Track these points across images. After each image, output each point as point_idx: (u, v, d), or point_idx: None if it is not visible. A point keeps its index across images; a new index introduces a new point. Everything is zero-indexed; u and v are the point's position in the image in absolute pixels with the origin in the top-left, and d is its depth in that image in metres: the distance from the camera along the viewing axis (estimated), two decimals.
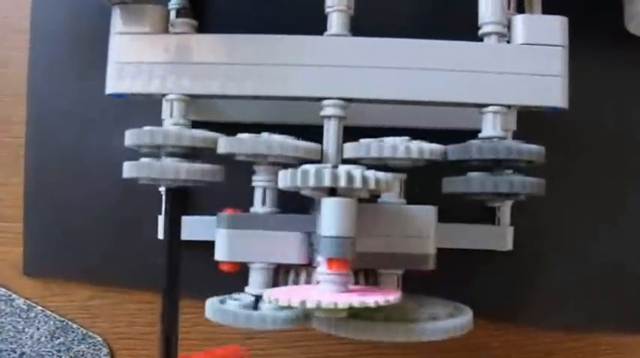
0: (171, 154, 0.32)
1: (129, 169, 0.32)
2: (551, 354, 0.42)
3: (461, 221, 0.39)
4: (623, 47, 0.41)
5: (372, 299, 0.27)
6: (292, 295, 0.27)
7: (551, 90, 0.33)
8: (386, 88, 0.33)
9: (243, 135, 0.31)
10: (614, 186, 0.42)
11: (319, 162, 0.31)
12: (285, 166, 0.30)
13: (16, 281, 0.42)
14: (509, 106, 0.33)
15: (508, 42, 0.33)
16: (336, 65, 0.33)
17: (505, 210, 0.40)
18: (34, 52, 0.43)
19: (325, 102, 0.33)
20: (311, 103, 0.34)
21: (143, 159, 0.32)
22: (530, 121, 0.38)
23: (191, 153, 0.32)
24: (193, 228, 0.38)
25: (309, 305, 0.26)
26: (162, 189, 0.40)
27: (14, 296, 0.42)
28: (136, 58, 0.33)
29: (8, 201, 0.43)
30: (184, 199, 0.38)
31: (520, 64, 0.33)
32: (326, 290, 0.28)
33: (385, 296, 0.27)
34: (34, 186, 0.42)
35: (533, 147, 0.32)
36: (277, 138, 0.31)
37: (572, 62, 0.33)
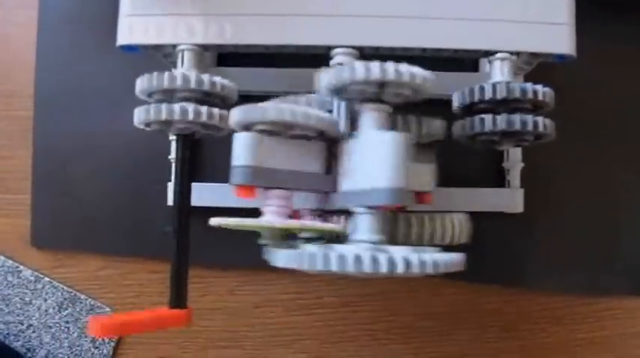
0: (183, 99, 0.32)
1: (140, 114, 0.32)
2: (563, 319, 0.42)
3: (471, 185, 0.40)
4: (625, 12, 0.42)
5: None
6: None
7: (558, 37, 0.33)
8: (395, 35, 0.33)
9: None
10: (626, 149, 0.42)
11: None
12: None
13: (23, 253, 0.42)
14: (517, 54, 0.33)
15: None
16: (346, 14, 0.33)
17: (515, 172, 0.40)
18: (42, 26, 0.43)
19: (335, 50, 0.33)
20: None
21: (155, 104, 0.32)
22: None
23: (202, 100, 0.32)
24: (203, 194, 0.38)
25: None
26: (172, 156, 0.40)
27: (21, 267, 0.42)
28: (147, 11, 0.33)
29: (15, 174, 0.43)
30: (194, 148, 0.38)
31: (527, 13, 0.33)
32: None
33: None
34: (43, 158, 0.42)
35: (544, 88, 0.32)
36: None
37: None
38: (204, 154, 0.41)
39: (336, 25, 0.33)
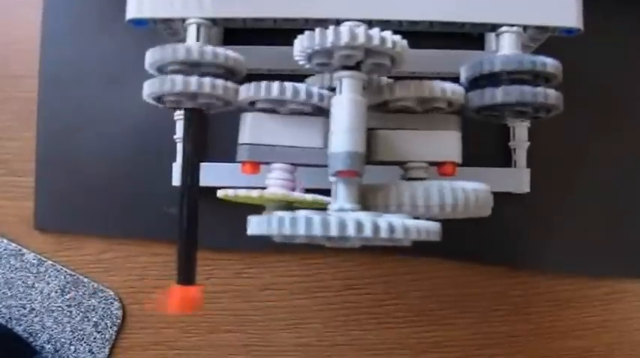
0: (197, 72, 0.32)
1: (153, 86, 0.32)
2: (571, 302, 0.41)
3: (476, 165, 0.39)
4: None
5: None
6: None
7: (565, 11, 0.33)
8: (405, 9, 0.33)
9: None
10: (635, 127, 0.42)
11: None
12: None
13: (26, 236, 0.42)
14: (525, 27, 0.33)
15: None
16: None
17: (521, 152, 0.40)
18: (48, 6, 0.43)
19: (345, 24, 0.33)
20: None
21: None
22: None
23: (215, 74, 0.32)
24: (210, 174, 0.38)
25: None
26: (177, 136, 0.40)
27: (24, 250, 0.42)
28: None
29: (20, 156, 0.42)
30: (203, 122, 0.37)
31: None
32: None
33: None
34: (47, 139, 0.42)
35: (549, 59, 0.32)
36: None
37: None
38: (206, 135, 0.41)
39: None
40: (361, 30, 0.28)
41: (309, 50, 0.29)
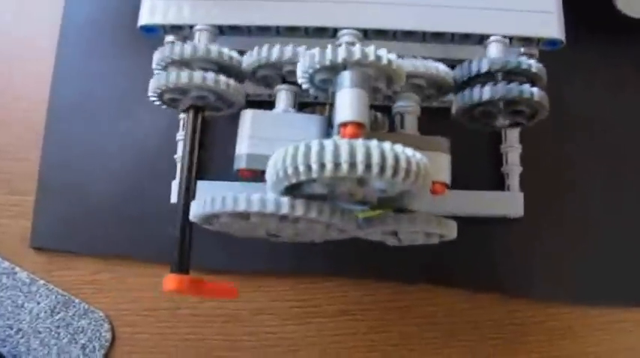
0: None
1: (156, 82, 0.33)
2: (571, 330, 0.40)
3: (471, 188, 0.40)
4: (613, 25, 0.44)
5: None
6: None
7: (547, 24, 0.36)
8: (398, 20, 0.36)
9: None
10: (632, 150, 0.43)
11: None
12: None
13: (21, 255, 0.41)
14: (510, 39, 0.36)
15: None
16: (353, 0, 0.36)
17: (514, 176, 0.41)
18: (63, 35, 0.46)
19: (341, 32, 0.36)
20: None
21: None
22: None
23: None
24: (207, 192, 0.38)
25: None
26: (177, 155, 0.41)
27: (17, 269, 0.41)
28: None
29: (22, 176, 0.43)
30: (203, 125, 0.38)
31: (519, 2, 0.36)
32: None
33: None
34: (51, 161, 0.43)
35: (533, 61, 0.34)
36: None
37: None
38: (206, 156, 0.42)
39: (342, 8, 0.36)
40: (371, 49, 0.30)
41: (318, 66, 0.30)
